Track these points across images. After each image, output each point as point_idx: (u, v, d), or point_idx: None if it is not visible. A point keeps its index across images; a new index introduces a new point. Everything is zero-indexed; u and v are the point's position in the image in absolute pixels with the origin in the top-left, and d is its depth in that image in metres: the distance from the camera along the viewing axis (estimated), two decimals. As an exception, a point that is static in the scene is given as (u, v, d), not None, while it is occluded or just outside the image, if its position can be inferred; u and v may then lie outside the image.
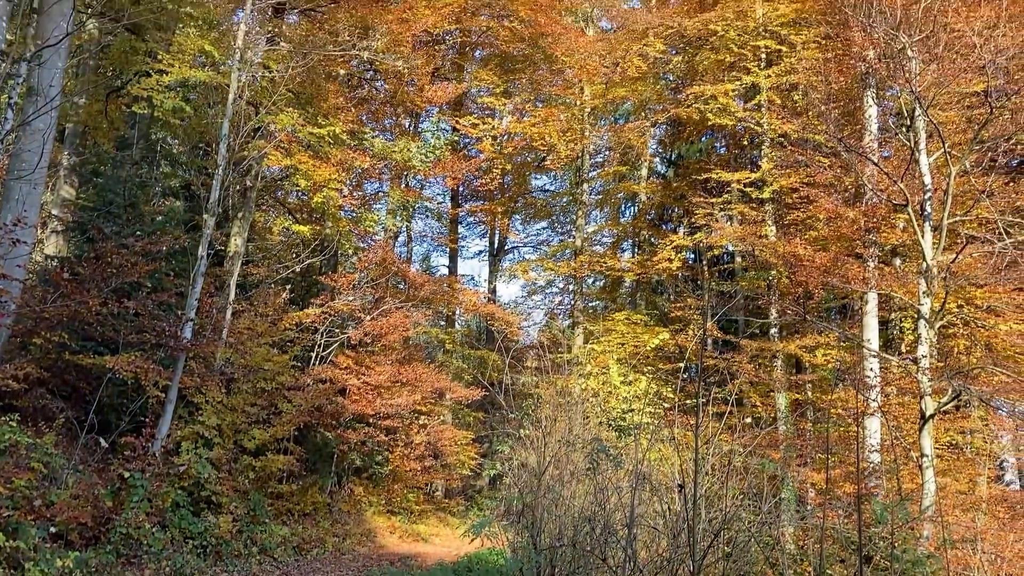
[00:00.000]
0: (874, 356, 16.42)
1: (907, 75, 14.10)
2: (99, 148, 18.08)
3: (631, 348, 23.00)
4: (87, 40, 18.26)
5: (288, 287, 18.74)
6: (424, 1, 21.82)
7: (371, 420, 18.40)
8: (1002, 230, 14.25)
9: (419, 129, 25.76)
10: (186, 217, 17.24)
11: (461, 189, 29.94)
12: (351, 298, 18.67)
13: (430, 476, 21.22)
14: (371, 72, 22.39)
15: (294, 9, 19.00)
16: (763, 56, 22.27)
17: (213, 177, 14.28)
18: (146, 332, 13.01)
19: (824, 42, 20.13)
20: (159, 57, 15.75)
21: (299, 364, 17.82)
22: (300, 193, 20.30)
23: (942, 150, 13.98)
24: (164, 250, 14.03)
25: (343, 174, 18.11)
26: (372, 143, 19.85)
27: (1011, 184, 15.97)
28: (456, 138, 25.58)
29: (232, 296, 16.32)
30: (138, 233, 14.37)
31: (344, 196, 18.84)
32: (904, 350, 19.49)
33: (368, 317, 18.84)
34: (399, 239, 28.10)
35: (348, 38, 17.94)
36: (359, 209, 20.40)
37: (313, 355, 18.51)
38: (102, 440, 12.41)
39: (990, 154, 15.27)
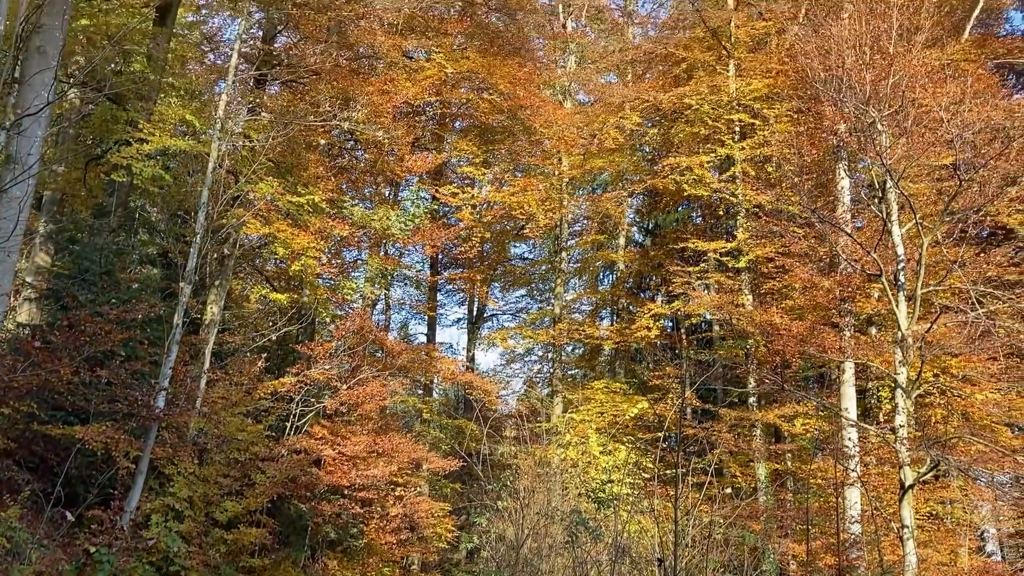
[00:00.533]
0: (852, 425, 16.43)
1: (878, 148, 14.42)
2: (77, 216, 18.02)
3: (610, 417, 22.87)
4: (68, 109, 18.36)
5: (264, 355, 18.56)
6: (405, 74, 22.20)
7: (346, 492, 18.05)
8: (974, 300, 14.43)
9: (399, 197, 25.93)
10: (162, 285, 17.13)
11: (440, 257, 30.00)
12: (327, 367, 18.49)
13: (406, 549, 20.75)
14: (352, 142, 22.61)
15: (276, 80, 19.24)
16: (737, 129, 22.74)
17: (191, 245, 14.24)
18: (118, 402, 12.78)
19: (796, 116, 20.60)
20: (140, 126, 15.83)
21: (274, 434, 17.53)
22: (278, 261, 20.26)
23: (914, 221, 14.23)
24: (139, 318, 13.90)
25: (322, 242, 18.13)
26: (352, 211, 19.93)
27: (982, 255, 16.24)
28: (436, 206, 25.76)
29: (207, 365, 16.12)
30: (113, 301, 14.23)
31: (322, 264, 18.82)
32: (882, 419, 19.51)
33: (344, 386, 18.65)
34: (377, 307, 28.01)
35: (329, 109, 18.16)
36: (337, 277, 20.37)
37: (288, 425, 18.24)
38: (68, 514, 12.08)
39: (960, 225, 15.53)
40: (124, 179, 16.95)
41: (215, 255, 17.37)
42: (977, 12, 23.04)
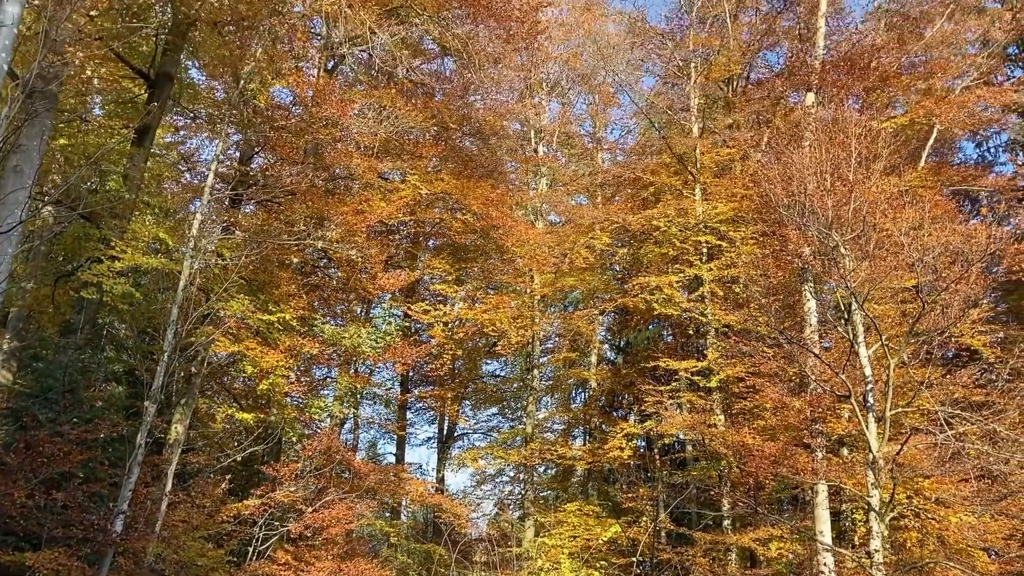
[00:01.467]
0: (827, 550, 16.16)
1: (842, 272, 14.73)
2: (43, 333, 17.80)
3: (583, 541, 22.34)
4: (41, 226, 18.39)
5: (228, 477, 18.10)
6: (380, 194, 22.57)
7: (309, 621, 17.33)
8: (943, 421, 14.49)
9: (370, 315, 25.94)
10: (127, 403, 16.80)
11: (411, 374, 29.83)
12: (293, 488, 18.04)
13: None
14: (324, 260, 22.76)
15: (251, 200, 19.48)
16: (704, 250, 23.20)
17: (158, 363, 14.06)
18: (73, 526, 12.33)
19: (762, 239, 21.08)
20: (113, 244, 15.86)
21: (235, 559, 16.92)
22: (246, 379, 20.02)
23: (880, 342, 14.41)
24: (101, 437, 13.56)
25: (291, 361, 17.98)
26: (322, 329, 19.87)
27: (948, 376, 16.42)
28: (407, 324, 25.77)
29: (169, 487, 15.67)
30: (75, 420, 13.91)
31: (291, 383, 18.61)
32: (857, 542, 19.21)
33: (310, 509, 18.15)
34: (345, 426, 27.60)
35: (303, 228, 18.35)
36: (306, 396, 20.12)
37: (251, 549, 17.63)
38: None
39: (926, 346, 15.76)
40: (93, 296, 16.84)
41: (182, 373, 17.13)
42: (931, 142, 24.05)
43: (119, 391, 17.49)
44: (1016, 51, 29.29)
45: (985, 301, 18.56)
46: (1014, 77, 28.32)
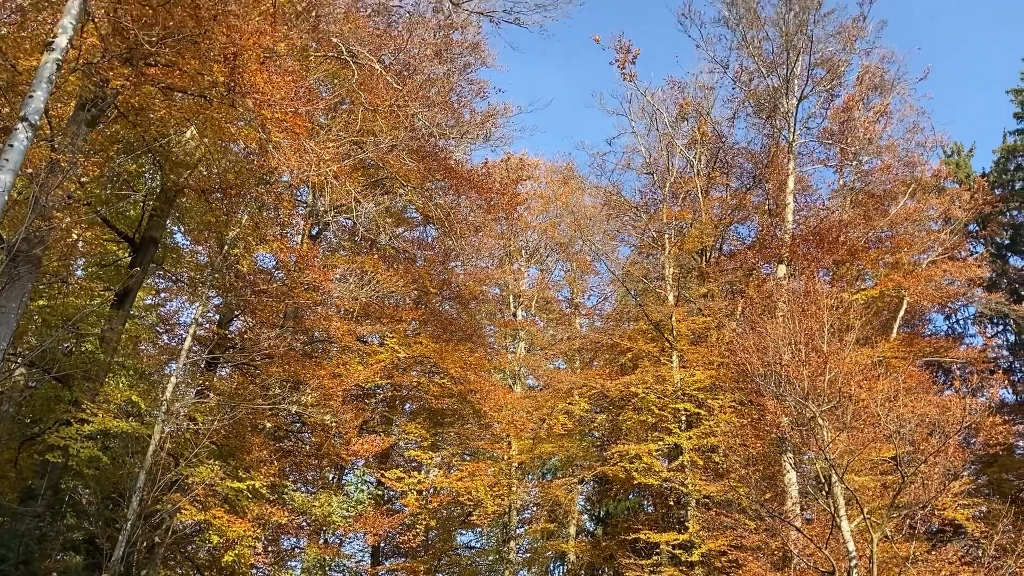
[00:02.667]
0: None
1: (820, 443, 14.65)
2: (2, 499, 17.15)
3: None
4: (11, 388, 18.10)
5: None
6: (357, 357, 22.56)
7: None
8: (932, 601, 14.06)
9: (343, 482, 25.31)
10: (84, 575, 16.01)
11: (383, 546, 28.77)
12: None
13: None
14: (298, 424, 22.42)
15: (228, 363, 19.38)
16: (683, 418, 23.10)
17: (120, 531, 13.53)
18: None
19: (740, 407, 21.06)
20: (83, 406, 15.58)
21: None
22: (212, 549, 19.23)
23: (862, 516, 14.16)
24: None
25: (259, 530, 17.36)
26: (293, 497, 19.32)
27: (933, 552, 16.06)
28: (380, 491, 25.12)
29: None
30: (26, 594, 13.20)
31: (258, 554, 17.89)
32: None
33: None
34: (314, 600, 26.31)
35: (279, 392, 18.18)
36: (272, 567, 19.31)
37: None
38: None
39: (908, 520, 15.49)
40: (59, 460, 16.38)
41: (145, 543, 16.45)
42: (902, 313, 24.59)
43: (76, 561, 16.71)
44: (977, 228, 30.50)
45: (966, 474, 18.43)
46: (976, 252, 29.37)
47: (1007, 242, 31.23)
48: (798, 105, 25.54)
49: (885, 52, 27.21)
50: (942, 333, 30.54)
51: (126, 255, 18.95)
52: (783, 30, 25.01)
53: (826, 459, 14.46)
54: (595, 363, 29.91)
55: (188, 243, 20.73)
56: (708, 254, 27.73)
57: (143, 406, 16.19)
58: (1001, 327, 31.45)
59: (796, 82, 25.42)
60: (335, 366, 20.64)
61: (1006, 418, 22.62)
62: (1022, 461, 25.84)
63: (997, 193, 29.84)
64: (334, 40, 19.13)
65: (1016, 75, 32.49)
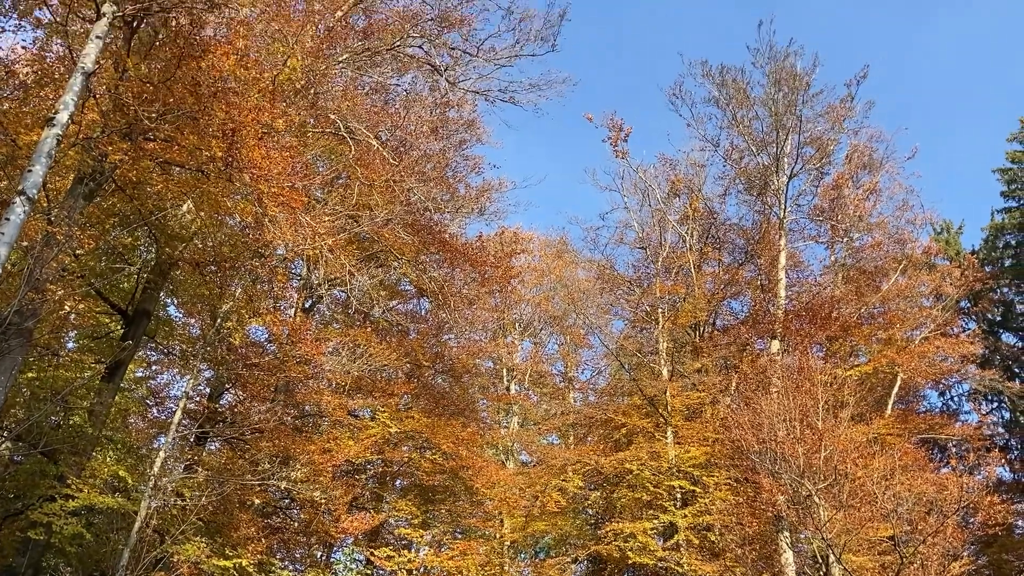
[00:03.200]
0: None
1: (817, 522, 14.46)
2: (-20, 579, 16.71)
3: None
4: (-4, 462, 17.81)
5: None
6: (348, 432, 22.31)
7: None
8: None
9: (331, 560, 24.78)
10: (63, 657, 15.52)
11: (372, 626, 28.03)
12: None
13: None
14: (287, 500, 22.05)
15: (217, 437, 19.15)
16: (678, 495, 22.79)
17: (101, 612, 13.16)
18: None
19: (735, 485, 20.81)
20: (69, 481, 15.30)
21: None
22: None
23: (862, 599, 13.89)
24: None
25: (245, 610, 16.91)
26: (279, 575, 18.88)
27: (935, 636, 15.67)
28: (369, 571, 24.56)
29: None
30: None
31: (244, 635, 17.39)
32: None
33: None
34: None
35: (268, 467, 17.92)
36: (258, 648, 18.73)
37: None
38: None
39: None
40: (41, 537, 16.02)
41: (125, 624, 16.01)
42: (896, 390, 24.53)
43: (56, 642, 16.22)
44: (968, 304, 30.66)
45: (965, 555, 18.14)
46: (969, 329, 29.47)
47: (999, 319, 31.38)
48: (788, 183, 25.90)
49: (873, 132, 27.78)
50: (937, 410, 30.44)
51: (118, 327, 18.87)
52: (773, 110, 25.51)
53: (823, 538, 14.25)
54: (589, 439, 29.64)
55: (181, 315, 20.70)
56: (702, 329, 27.76)
57: (130, 481, 15.91)
58: (995, 404, 31.39)
59: (786, 160, 25.82)
60: (325, 441, 20.40)
61: (1004, 497, 22.40)
62: (1022, 541, 25.48)
63: (987, 270, 30.12)
64: (332, 117, 19.44)
65: (1002, 155, 33.14)
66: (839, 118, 26.11)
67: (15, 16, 12.96)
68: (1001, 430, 30.15)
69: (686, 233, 28.37)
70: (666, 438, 24.22)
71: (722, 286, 27.85)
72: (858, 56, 72.56)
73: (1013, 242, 32.05)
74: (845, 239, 27.84)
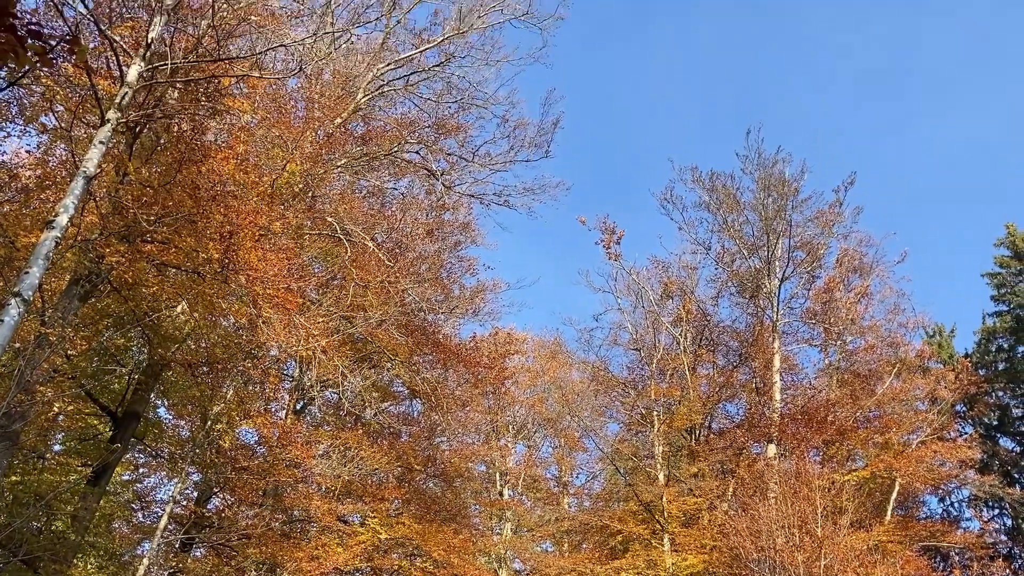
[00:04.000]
0: None
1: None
2: None
3: None
4: (-27, 569, 17.27)
5: None
6: (337, 538, 21.76)
7: None
8: None
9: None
10: None
11: None
12: None
13: None
14: (274, 610, 21.33)
15: (204, 543, 18.66)
16: (677, 606, 22.16)
17: None
18: None
19: (735, 594, 20.24)
20: (47, 591, 14.82)
21: None
22: None
23: None
24: None
25: None
26: None
27: None
28: None
29: None
30: None
31: None
32: None
33: None
34: None
35: (255, 574, 17.41)
36: None
37: None
38: None
39: None
40: (16, 649, 15.42)
41: None
42: (895, 495, 24.16)
43: None
44: (964, 408, 30.52)
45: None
46: (966, 433, 29.26)
47: (996, 423, 31.19)
48: (780, 286, 26.12)
49: (863, 236, 28.20)
50: (937, 516, 29.91)
51: (107, 429, 18.62)
52: (762, 215, 25.95)
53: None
54: (584, 545, 28.97)
55: (171, 417, 20.44)
56: (697, 432, 27.50)
57: (111, 590, 15.42)
58: (997, 511, 30.89)
59: (778, 264, 26.11)
60: (314, 548, 19.87)
61: (1011, 608, 21.80)
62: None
63: (982, 374, 30.09)
64: (329, 219, 19.70)
65: (990, 259, 33.58)
66: (828, 223, 26.56)
67: (21, 122, 13.26)
68: (1004, 538, 29.57)
69: (680, 335, 28.42)
70: (663, 545, 23.69)
71: (717, 389, 27.75)
72: (845, 160, 74.31)
73: (1005, 345, 32.15)
74: (838, 342, 27.90)
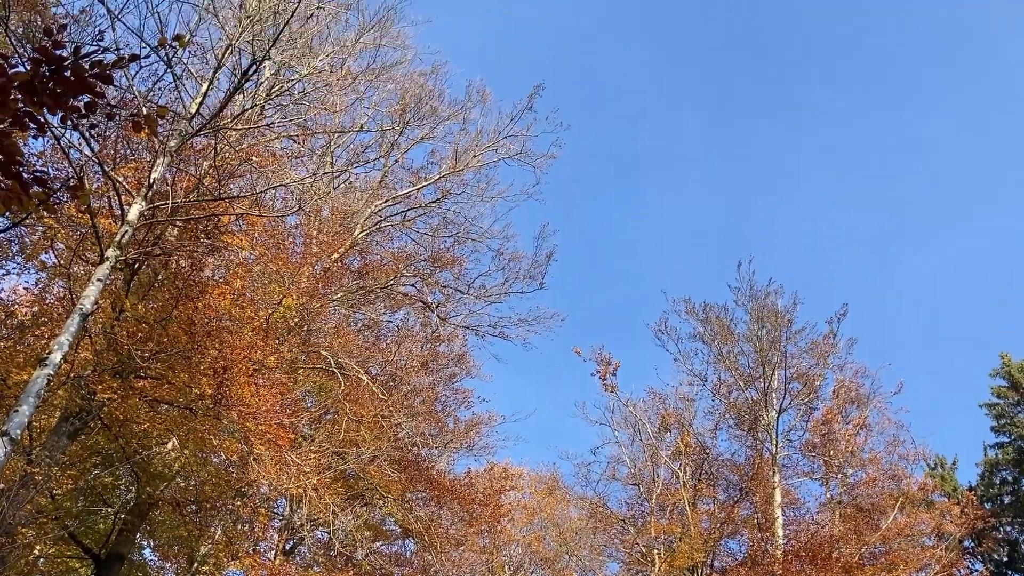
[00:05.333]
0: None
1: None
2: None
3: None
4: None
5: None
6: None
7: None
8: None
9: None
10: None
11: None
12: None
13: None
14: None
15: None
16: None
17: None
18: None
19: None
20: None
21: None
22: None
23: None
24: None
25: None
26: None
27: None
28: None
29: None
30: None
31: None
32: None
33: None
34: None
35: None
36: None
37: None
38: None
39: None
40: None
41: None
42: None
43: None
44: (972, 544, 29.74)
45: None
46: (976, 570, 28.41)
47: (1005, 559, 30.34)
48: (778, 418, 25.91)
49: (858, 367, 28.17)
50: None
51: (88, 573, 17.98)
52: (757, 346, 26.02)
53: None
54: None
55: (156, 559, 19.78)
56: (699, 571, 26.64)
57: None
58: (1016, 653, 29.66)
59: (774, 395, 26.00)
60: None
61: None
62: None
63: (987, 507, 29.50)
64: (323, 353, 19.66)
65: (986, 389, 33.48)
66: (823, 354, 26.61)
67: (21, 260, 13.41)
68: None
69: (679, 469, 27.95)
70: None
71: (718, 525, 27.06)
72: (838, 290, 75.17)
73: (1010, 478, 31.65)
74: (839, 475, 27.43)
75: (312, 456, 17.00)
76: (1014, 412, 32.14)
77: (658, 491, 27.32)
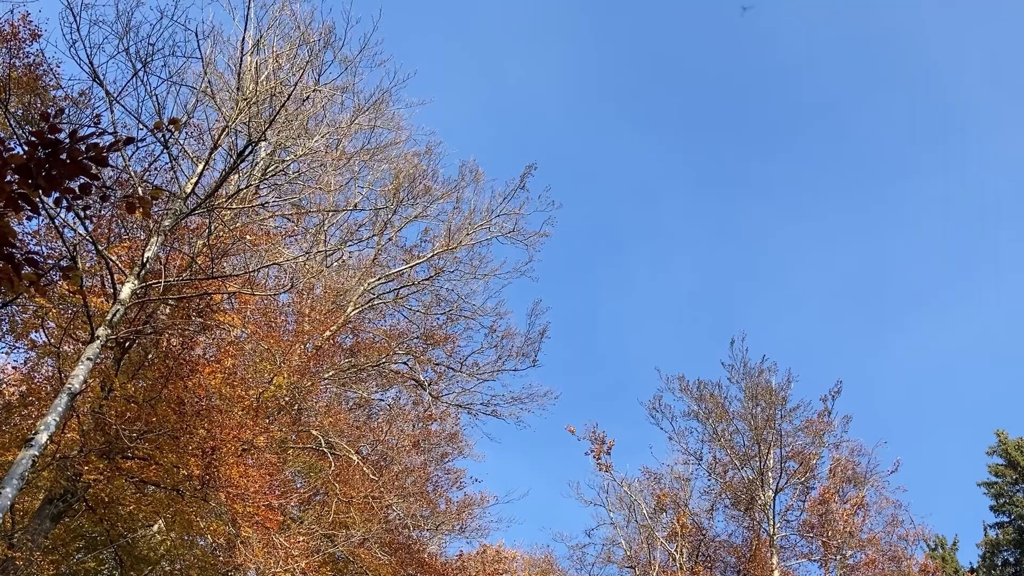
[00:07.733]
0: None
1: None
2: None
3: None
4: None
5: None
6: None
7: None
8: None
9: None
10: None
11: None
12: None
13: None
14: None
15: None
16: None
17: None
18: None
19: None
20: None
21: None
22: None
23: None
24: None
25: None
26: None
27: None
28: None
29: None
30: None
31: None
32: None
33: None
34: None
35: None
36: None
37: None
38: None
39: None
40: None
41: None
42: None
43: None
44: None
45: None
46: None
47: (1012, 643, 29.64)
48: (775, 497, 25.56)
49: (854, 445, 27.92)
50: None
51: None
52: (752, 424, 25.84)
53: None
54: None
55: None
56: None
57: None
58: None
59: (771, 474, 25.70)
60: None
61: None
62: None
63: (990, 589, 28.94)
64: (314, 432, 19.42)
65: (983, 468, 33.18)
66: (818, 432, 26.43)
67: (11, 338, 13.32)
68: None
69: (676, 551, 27.41)
70: None
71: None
72: (831, 367, 75.04)
73: (1011, 559, 31.13)
74: (838, 556, 26.92)
75: (301, 539, 16.63)
76: (1012, 491, 31.80)
77: (654, 574, 26.73)
